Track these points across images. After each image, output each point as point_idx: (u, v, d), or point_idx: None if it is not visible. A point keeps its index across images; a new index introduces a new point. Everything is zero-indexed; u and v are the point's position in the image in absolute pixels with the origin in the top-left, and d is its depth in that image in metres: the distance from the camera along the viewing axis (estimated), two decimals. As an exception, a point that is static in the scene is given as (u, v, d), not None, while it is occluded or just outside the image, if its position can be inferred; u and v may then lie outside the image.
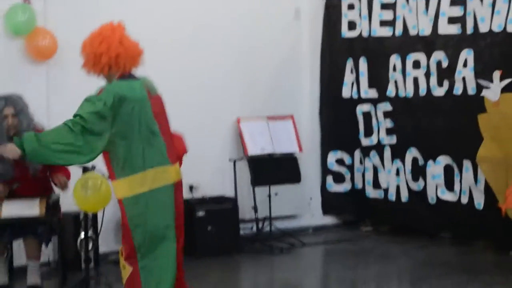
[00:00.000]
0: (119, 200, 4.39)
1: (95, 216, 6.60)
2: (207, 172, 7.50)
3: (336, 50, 8.36)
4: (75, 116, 4.20)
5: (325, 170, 8.38)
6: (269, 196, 7.61)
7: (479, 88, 6.99)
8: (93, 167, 5.40)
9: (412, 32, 7.67)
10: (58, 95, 6.72)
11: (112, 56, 4.43)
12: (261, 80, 7.99)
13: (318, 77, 8.42)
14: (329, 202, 8.42)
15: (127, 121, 4.29)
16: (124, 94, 4.31)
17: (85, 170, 5.41)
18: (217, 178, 7.63)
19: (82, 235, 6.54)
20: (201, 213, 7.12)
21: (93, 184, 5.28)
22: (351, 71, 8.24)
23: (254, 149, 7.64)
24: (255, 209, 7.57)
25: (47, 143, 4.11)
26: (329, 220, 8.47)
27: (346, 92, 8.28)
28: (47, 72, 6.77)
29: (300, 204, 8.11)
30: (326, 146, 8.40)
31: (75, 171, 5.50)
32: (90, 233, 6.58)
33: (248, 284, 6.72)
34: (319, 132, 8.42)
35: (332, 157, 8.35)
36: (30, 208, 5.50)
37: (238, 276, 6.94)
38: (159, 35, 6.98)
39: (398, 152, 7.87)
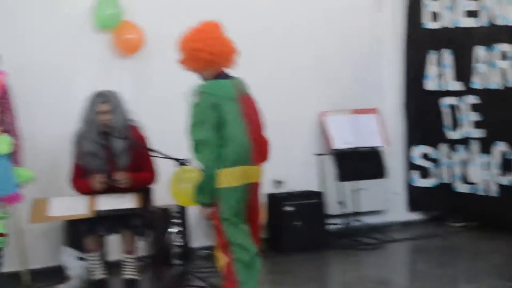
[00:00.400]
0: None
1: (182, 211, 6.56)
2: (293, 166, 7.37)
3: (418, 42, 8.14)
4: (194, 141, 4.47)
5: (410, 165, 8.19)
6: (355, 191, 7.48)
7: None
8: (188, 161, 5.34)
9: (499, 22, 7.45)
10: (143, 89, 6.70)
11: (210, 53, 4.52)
12: (344, 73, 7.83)
13: (401, 70, 8.22)
14: (415, 197, 8.20)
15: (221, 119, 4.45)
16: (217, 94, 4.49)
17: (181, 163, 5.35)
18: (302, 172, 7.52)
19: (173, 229, 6.53)
20: (289, 208, 7.01)
21: (189, 177, 5.19)
22: (435, 63, 8.04)
23: (338, 143, 7.50)
24: (342, 204, 7.45)
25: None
26: (415, 215, 8.25)
27: (430, 85, 8.06)
28: (133, 66, 6.73)
29: (385, 199, 7.94)
30: (411, 140, 8.19)
31: (169, 164, 5.45)
32: (179, 228, 6.56)
33: (337, 280, 6.58)
34: (403, 125, 8.20)
35: (416, 151, 8.15)
36: (126, 202, 5.45)
37: (327, 272, 6.82)
38: (243, 30, 6.87)
39: (485, 146, 7.62)
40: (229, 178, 4.45)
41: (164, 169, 5.74)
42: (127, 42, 6.57)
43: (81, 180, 5.61)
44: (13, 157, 5.46)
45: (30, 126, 6.11)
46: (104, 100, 5.57)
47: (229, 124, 4.46)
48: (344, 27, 7.80)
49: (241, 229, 4.54)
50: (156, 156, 5.54)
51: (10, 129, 5.47)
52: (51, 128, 6.33)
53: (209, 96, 4.47)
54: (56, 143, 6.27)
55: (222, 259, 4.55)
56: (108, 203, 5.44)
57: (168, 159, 5.43)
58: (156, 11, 6.74)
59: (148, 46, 6.67)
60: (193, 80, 5.51)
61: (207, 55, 4.50)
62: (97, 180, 5.50)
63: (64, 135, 6.04)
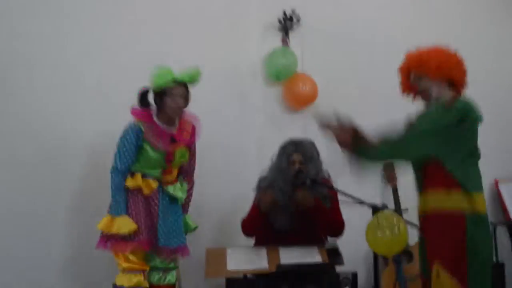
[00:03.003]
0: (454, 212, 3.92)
1: (354, 277, 6.05)
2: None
3: None
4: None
5: None
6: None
7: None
8: (385, 206, 4.85)
9: None
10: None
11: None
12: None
13: None
14: None
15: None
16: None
17: (375, 209, 4.84)
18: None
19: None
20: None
21: (390, 223, 4.67)
22: None
23: (515, 213, 6.87)
24: (520, 280, 6.75)
25: None
26: None
27: None
28: (304, 121, 6.37)
29: None
30: None
31: (364, 212, 4.97)
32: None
33: None
34: None
35: None
36: (311, 255, 4.98)
37: None
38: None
39: None
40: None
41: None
42: (299, 95, 6.22)
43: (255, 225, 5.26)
44: (184, 205, 5.22)
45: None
46: (297, 149, 5.21)
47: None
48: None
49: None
50: (350, 201, 5.01)
51: (185, 175, 5.24)
52: (218, 186, 6.00)
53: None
54: (220, 201, 5.94)
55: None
56: (292, 256, 4.97)
57: (363, 206, 4.91)
58: (327, 63, 6.42)
59: (319, 100, 6.32)
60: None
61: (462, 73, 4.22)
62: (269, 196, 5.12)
63: (231, 193, 5.76)
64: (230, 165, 6.08)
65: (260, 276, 4.98)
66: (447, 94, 4.13)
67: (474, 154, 4.07)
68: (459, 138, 3.97)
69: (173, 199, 5.06)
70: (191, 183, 5.25)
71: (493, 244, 4.09)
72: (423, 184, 4.14)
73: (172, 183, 5.06)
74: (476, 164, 4.07)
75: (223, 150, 6.05)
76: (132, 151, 4.90)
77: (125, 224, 4.84)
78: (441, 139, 3.93)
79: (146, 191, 4.94)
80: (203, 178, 5.86)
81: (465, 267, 3.85)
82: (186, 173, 5.22)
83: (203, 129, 5.75)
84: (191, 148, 5.18)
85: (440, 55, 4.17)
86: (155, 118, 5.00)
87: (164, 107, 4.96)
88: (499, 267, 6.60)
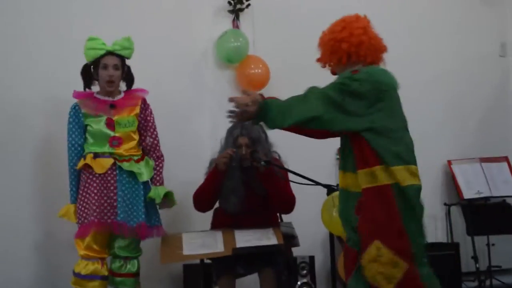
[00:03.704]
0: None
1: (312, 260, 6.02)
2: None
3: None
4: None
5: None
6: (488, 245, 6.79)
7: None
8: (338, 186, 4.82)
9: None
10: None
11: (353, 43, 3.78)
12: (471, 121, 7.40)
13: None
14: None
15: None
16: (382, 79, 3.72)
17: (330, 190, 4.80)
18: (429, 223, 6.89)
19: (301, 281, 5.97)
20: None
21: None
22: None
23: (469, 193, 6.90)
24: (475, 259, 6.77)
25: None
26: None
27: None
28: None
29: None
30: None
31: (319, 191, 4.92)
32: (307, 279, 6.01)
33: None
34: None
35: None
36: (266, 237, 4.92)
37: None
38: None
39: None
40: None
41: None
42: (252, 78, 6.14)
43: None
44: (154, 179, 5.04)
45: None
46: (242, 132, 5.10)
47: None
48: (470, 73, 7.40)
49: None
50: (303, 183, 4.95)
51: (150, 150, 5.07)
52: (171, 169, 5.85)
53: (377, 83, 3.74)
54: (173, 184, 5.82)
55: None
56: (247, 238, 4.91)
57: (316, 185, 4.86)
58: (279, 45, 6.37)
59: (272, 82, 6.25)
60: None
61: (349, 45, 3.77)
62: (223, 156, 5.03)
63: (184, 177, 5.68)
64: (183, 148, 5.96)
65: (216, 260, 4.94)
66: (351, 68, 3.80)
67: (397, 125, 3.75)
68: (371, 106, 3.68)
69: (132, 176, 4.92)
70: (155, 156, 5.07)
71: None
72: (356, 163, 3.76)
73: (128, 160, 4.92)
74: (400, 135, 3.74)
75: (175, 134, 5.92)
76: (75, 131, 4.90)
77: (65, 215, 4.94)
78: (349, 107, 3.64)
79: (98, 169, 4.83)
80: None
81: (406, 241, 3.59)
82: (148, 151, 5.06)
83: (155, 113, 5.67)
84: (146, 121, 5.05)
85: (322, 42, 3.92)
86: (95, 94, 5.00)
87: (99, 79, 4.96)
88: (454, 247, 6.63)
